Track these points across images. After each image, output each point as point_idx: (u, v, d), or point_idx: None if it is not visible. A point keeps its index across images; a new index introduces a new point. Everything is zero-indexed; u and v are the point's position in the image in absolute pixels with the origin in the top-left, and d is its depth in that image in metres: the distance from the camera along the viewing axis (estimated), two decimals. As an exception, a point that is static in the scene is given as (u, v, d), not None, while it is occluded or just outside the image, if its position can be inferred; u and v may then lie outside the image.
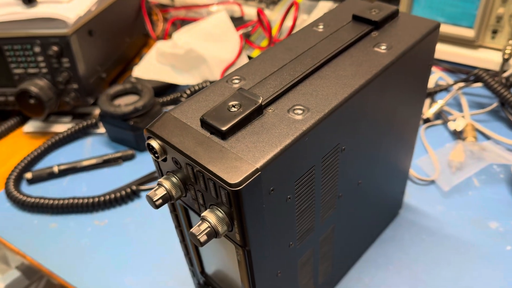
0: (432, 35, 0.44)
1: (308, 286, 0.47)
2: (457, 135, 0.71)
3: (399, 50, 0.40)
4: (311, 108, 0.35)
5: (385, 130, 0.45)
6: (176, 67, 0.83)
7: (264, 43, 0.88)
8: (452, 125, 0.72)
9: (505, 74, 0.74)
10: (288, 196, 0.35)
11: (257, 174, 0.30)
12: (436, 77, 0.81)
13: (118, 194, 0.66)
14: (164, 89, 0.84)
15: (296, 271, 0.43)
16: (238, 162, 0.31)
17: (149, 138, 0.35)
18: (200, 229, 0.32)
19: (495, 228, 0.58)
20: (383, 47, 0.41)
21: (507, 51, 0.78)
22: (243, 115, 0.33)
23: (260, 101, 0.34)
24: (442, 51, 0.85)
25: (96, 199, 0.66)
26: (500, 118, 0.74)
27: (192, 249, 0.45)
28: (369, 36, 0.43)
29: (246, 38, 0.89)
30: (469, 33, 0.82)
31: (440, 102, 0.74)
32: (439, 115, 0.75)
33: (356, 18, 0.45)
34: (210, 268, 0.46)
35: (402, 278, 0.54)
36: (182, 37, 0.83)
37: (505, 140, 0.68)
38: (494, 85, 0.71)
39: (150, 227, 0.64)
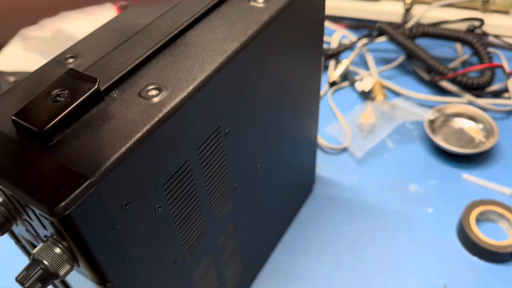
0: (320, -19, 0.37)
1: (215, 296, 0.40)
2: (366, 95, 0.66)
3: (279, 3, 0.32)
4: (170, 86, 0.26)
5: (279, 102, 0.37)
6: (46, 52, 0.70)
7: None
8: (359, 86, 0.66)
9: (408, 25, 0.70)
10: (158, 206, 0.27)
11: (92, 190, 0.21)
12: (339, 35, 0.76)
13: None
14: (34, 81, 0.70)
15: (193, 287, 0.35)
16: (63, 176, 0.22)
17: None
18: (28, 274, 0.23)
19: (415, 191, 0.54)
20: (260, 1, 0.33)
21: (408, 1, 0.74)
22: (72, 106, 0.24)
23: (96, 83, 0.25)
24: (343, 7, 0.79)
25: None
26: (407, 72, 0.70)
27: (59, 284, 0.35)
28: (245, -12, 0.34)
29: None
30: (367, -15, 0.77)
31: (345, 62, 0.68)
32: (346, 76, 0.70)
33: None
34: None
35: (325, 262, 0.49)
36: (48, 16, 0.70)
37: (414, 95, 0.64)
38: (398, 37, 0.66)
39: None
